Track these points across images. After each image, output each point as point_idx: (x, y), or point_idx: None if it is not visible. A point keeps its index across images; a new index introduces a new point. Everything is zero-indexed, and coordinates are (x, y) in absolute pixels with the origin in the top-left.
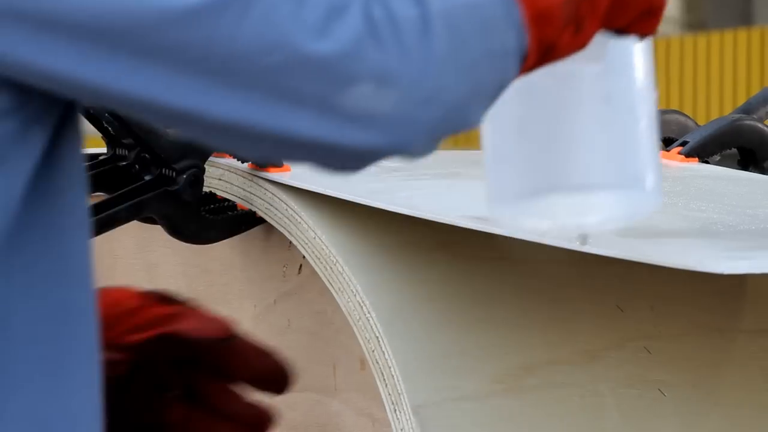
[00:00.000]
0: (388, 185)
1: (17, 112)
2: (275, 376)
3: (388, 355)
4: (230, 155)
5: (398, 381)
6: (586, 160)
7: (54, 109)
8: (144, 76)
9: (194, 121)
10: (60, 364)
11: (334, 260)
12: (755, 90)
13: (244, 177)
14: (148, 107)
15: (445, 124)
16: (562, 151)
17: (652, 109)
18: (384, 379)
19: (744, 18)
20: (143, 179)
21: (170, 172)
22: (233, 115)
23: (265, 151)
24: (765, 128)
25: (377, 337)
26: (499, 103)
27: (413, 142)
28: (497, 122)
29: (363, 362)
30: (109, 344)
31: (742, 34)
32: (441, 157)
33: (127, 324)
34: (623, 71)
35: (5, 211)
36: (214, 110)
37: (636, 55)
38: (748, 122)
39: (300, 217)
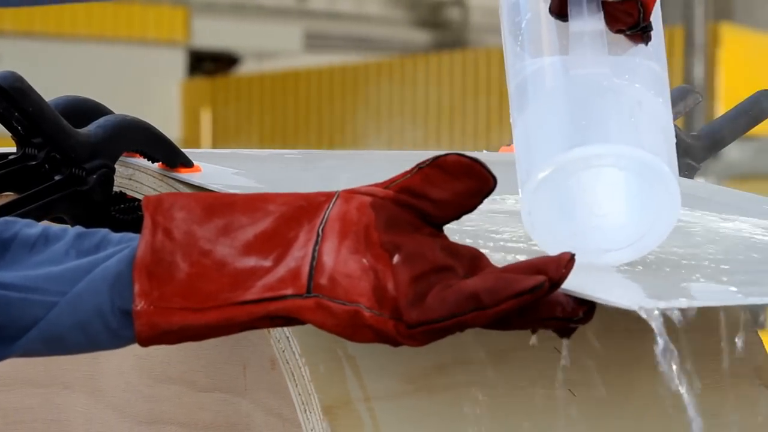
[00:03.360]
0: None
1: None
2: None
3: (298, 355)
4: (140, 155)
5: (308, 381)
6: (603, 126)
7: None
8: None
9: None
10: None
11: None
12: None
13: (154, 177)
14: None
15: None
16: (583, 121)
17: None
18: (294, 380)
19: None
20: (53, 179)
21: (80, 171)
22: None
23: None
24: (677, 128)
25: (287, 337)
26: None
27: None
28: (530, 114)
29: (273, 362)
30: None
31: None
32: (368, 157)
33: None
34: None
35: None
36: None
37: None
38: None
39: None
